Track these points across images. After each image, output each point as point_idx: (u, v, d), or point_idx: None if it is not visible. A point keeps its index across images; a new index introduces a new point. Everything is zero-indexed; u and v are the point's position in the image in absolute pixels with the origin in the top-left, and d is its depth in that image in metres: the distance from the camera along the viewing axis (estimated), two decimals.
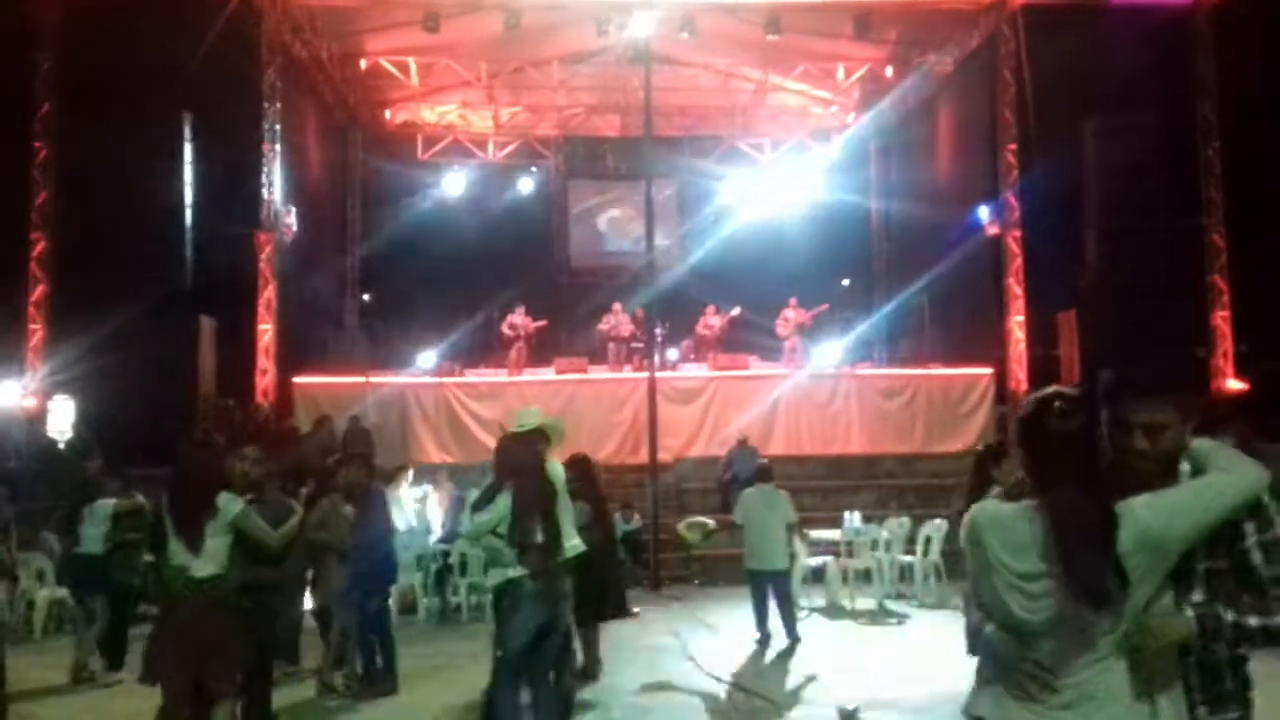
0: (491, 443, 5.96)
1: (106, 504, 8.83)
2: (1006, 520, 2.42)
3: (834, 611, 11.16)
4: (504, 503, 5.63)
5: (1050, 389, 2.51)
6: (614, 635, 8.67)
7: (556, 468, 5.98)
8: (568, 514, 6.00)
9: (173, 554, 5.09)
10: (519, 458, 5.77)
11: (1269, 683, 2.89)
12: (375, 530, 7.87)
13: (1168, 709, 2.36)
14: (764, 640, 9.41)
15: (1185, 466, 2.54)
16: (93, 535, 8.85)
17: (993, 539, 2.41)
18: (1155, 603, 2.36)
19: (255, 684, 5.80)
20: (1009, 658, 2.43)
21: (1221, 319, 17.36)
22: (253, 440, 5.91)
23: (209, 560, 5.06)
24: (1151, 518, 2.33)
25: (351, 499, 7.80)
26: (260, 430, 14.71)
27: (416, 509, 12.19)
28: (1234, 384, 17.16)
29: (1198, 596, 2.50)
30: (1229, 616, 2.42)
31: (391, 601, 10.16)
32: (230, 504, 5.14)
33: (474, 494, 5.96)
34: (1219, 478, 2.44)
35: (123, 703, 7.12)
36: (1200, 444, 2.55)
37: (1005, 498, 2.55)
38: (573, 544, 5.97)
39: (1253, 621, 2.43)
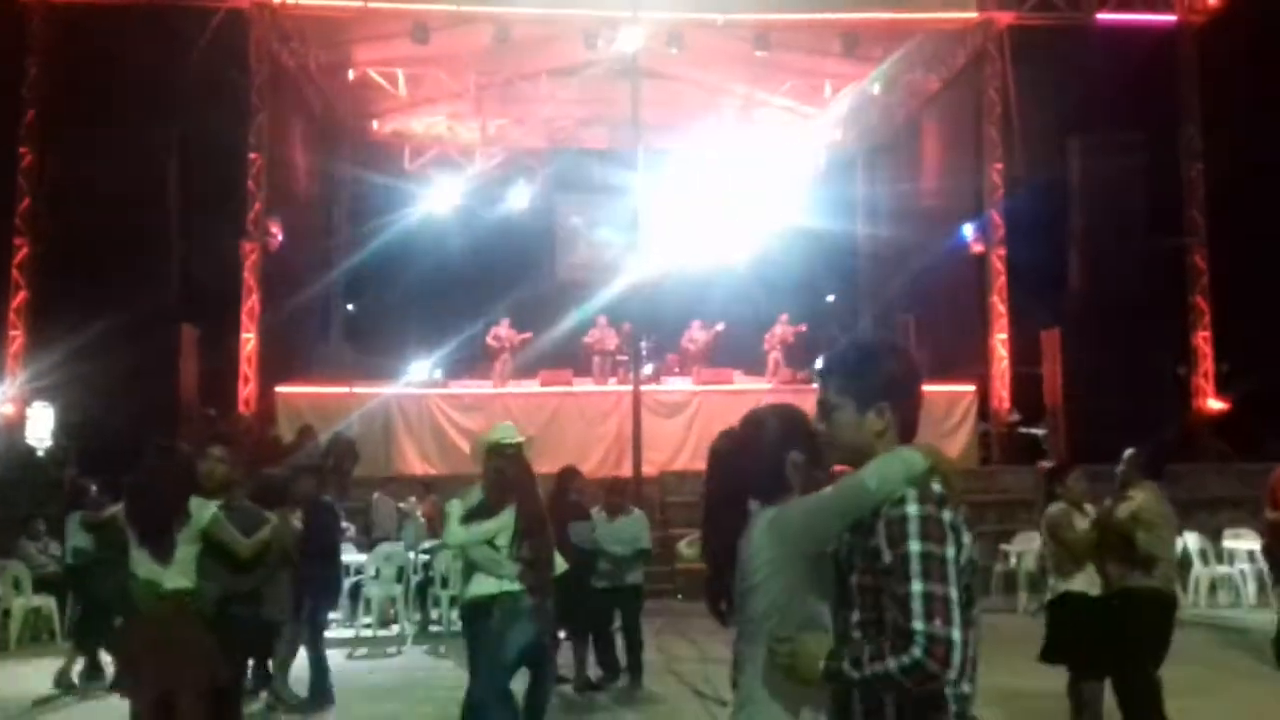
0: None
1: (77, 515, 8.75)
2: None
3: None
4: (508, 516, 5.62)
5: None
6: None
7: None
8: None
9: (136, 564, 4.86)
10: (517, 474, 5.77)
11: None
12: (324, 542, 7.84)
13: None
14: None
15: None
16: (69, 547, 8.77)
17: None
18: (794, 612, 2.32)
19: (227, 698, 5.46)
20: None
21: (1203, 339, 17.47)
22: (224, 444, 5.63)
23: (179, 570, 4.83)
24: (775, 516, 2.38)
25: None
26: (241, 440, 14.60)
27: (400, 523, 12.14)
28: (1214, 403, 17.28)
29: (856, 616, 2.23)
30: (846, 667, 2.12)
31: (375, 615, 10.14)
32: (202, 509, 4.93)
33: (455, 505, 5.90)
34: (852, 476, 2.27)
35: (100, 715, 7.04)
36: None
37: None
38: (559, 562, 6.04)
39: (870, 669, 2.09)
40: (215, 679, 4.96)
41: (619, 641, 8.58)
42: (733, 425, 2.74)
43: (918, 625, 2.05)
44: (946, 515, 2.15)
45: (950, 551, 2.12)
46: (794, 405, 2.72)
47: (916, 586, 2.08)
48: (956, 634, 2.06)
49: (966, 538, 2.18)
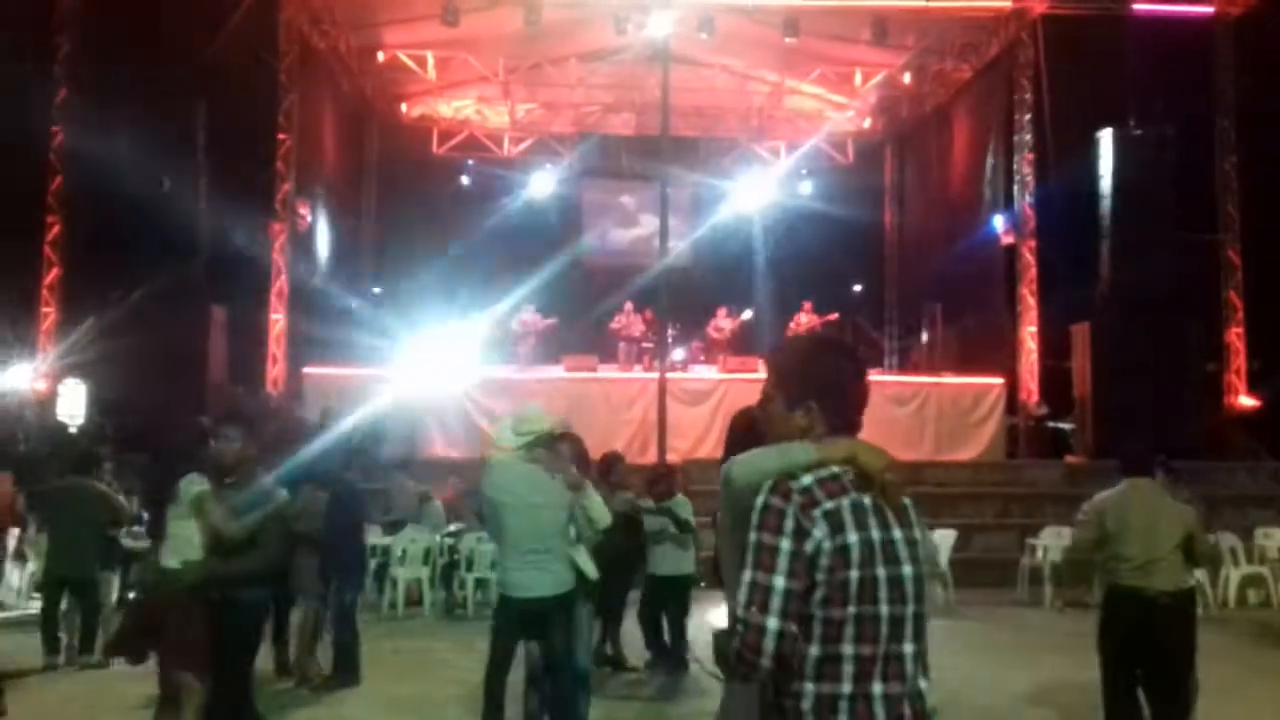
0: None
1: None
2: None
3: None
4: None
5: None
6: (623, 634, 8.68)
7: None
8: None
9: (150, 540, 5.00)
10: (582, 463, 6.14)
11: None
12: (348, 522, 7.88)
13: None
14: None
15: None
16: None
17: None
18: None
19: (231, 684, 5.21)
20: None
21: (1235, 335, 17.30)
22: (238, 423, 5.54)
23: (175, 548, 4.87)
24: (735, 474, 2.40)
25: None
26: (262, 417, 14.69)
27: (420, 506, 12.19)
28: (1246, 401, 17.10)
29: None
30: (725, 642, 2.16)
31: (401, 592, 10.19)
32: (190, 486, 4.88)
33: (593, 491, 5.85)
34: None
35: (119, 688, 7.11)
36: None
37: None
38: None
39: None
40: (200, 658, 4.89)
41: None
42: (752, 404, 2.80)
43: (740, 612, 2.09)
44: (791, 509, 2.13)
45: (785, 543, 2.10)
46: None
47: (746, 575, 2.10)
48: (773, 623, 2.05)
49: (820, 530, 2.13)
